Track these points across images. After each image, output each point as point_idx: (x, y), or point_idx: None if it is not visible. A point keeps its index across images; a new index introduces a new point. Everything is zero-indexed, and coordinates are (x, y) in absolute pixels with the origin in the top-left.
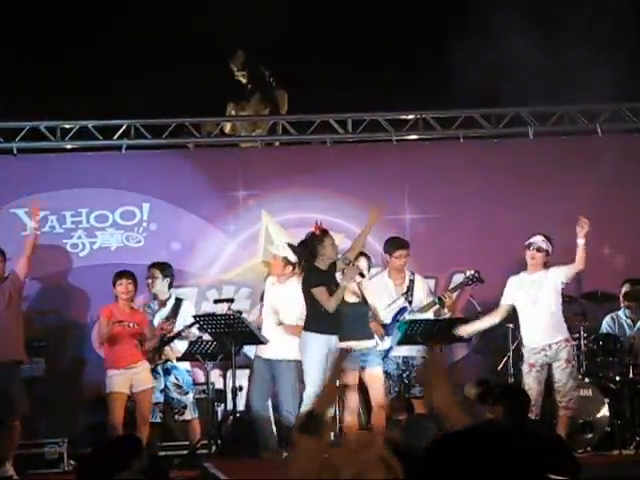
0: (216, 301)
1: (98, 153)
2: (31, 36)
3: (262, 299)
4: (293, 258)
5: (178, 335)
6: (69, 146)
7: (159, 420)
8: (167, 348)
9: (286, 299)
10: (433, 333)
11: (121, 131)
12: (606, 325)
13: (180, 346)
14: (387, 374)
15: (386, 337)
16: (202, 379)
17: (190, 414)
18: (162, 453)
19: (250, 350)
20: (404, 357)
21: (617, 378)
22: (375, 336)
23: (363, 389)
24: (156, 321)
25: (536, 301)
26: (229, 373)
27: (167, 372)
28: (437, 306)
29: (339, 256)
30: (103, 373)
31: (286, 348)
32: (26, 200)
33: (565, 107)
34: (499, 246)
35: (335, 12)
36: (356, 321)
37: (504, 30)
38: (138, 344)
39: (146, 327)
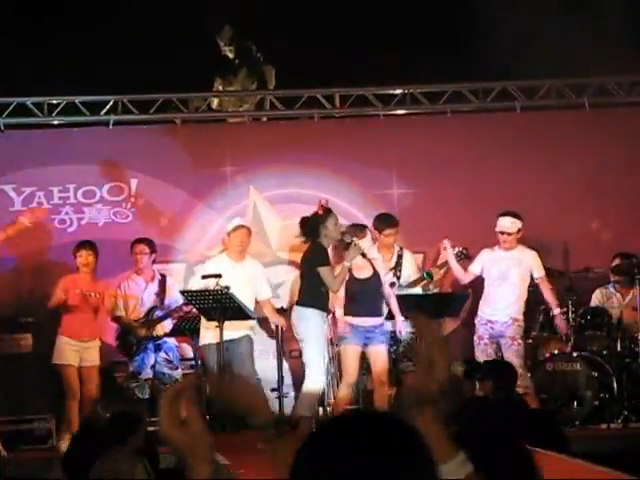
0: (204, 277)
1: (85, 129)
2: (18, 14)
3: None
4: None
5: (171, 314)
6: (56, 122)
7: (147, 396)
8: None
9: (242, 282)
10: (421, 308)
11: (108, 107)
12: (595, 299)
13: (167, 322)
14: None
15: None
16: (190, 354)
17: None
18: (151, 428)
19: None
20: (391, 332)
21: (605, 352)
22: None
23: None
24: (147, 297)
25: (506, 278)
26: None
27: (158, 348)
28: (425, 281)
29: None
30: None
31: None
32: (14, 176)
33: (552, 81)
34: (487, 220)
35: None
36: (364, 297)
37: (491, 3)
38: (94, 316)
39: (107, 298)
